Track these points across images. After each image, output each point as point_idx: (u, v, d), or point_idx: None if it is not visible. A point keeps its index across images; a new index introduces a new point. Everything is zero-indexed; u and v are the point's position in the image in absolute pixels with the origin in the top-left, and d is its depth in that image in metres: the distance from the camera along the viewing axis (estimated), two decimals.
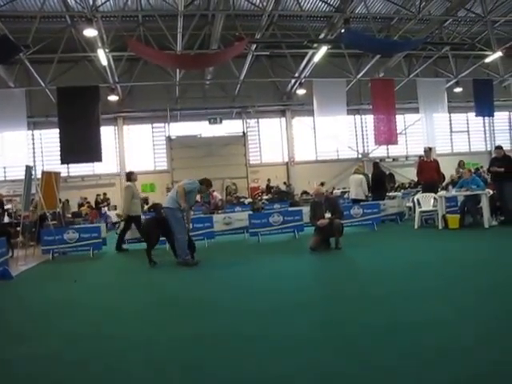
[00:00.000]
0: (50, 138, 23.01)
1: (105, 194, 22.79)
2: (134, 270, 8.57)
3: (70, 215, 19.02)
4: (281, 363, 3.34)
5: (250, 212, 14.55)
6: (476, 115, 24.56)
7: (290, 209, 14.48)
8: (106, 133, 23.49)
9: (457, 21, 20.41)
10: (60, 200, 15.16)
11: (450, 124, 28.32)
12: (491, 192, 11.36)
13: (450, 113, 25.71)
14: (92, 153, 19.56)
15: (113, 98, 22.62)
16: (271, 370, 3.22)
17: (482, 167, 21.78)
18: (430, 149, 13.90)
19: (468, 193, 11.08)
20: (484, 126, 29.26)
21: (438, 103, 23.43)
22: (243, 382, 3.11)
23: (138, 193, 11.86)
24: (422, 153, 13.71)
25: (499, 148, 11.65)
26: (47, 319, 5.19)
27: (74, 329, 4.63)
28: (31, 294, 6.86)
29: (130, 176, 11.53)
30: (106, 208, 21.78)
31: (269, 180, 24.98)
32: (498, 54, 20.28)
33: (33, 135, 24.10)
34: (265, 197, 23.19)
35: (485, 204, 10.72)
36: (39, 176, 12.10)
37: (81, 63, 21.63)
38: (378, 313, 4.46)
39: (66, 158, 19.70)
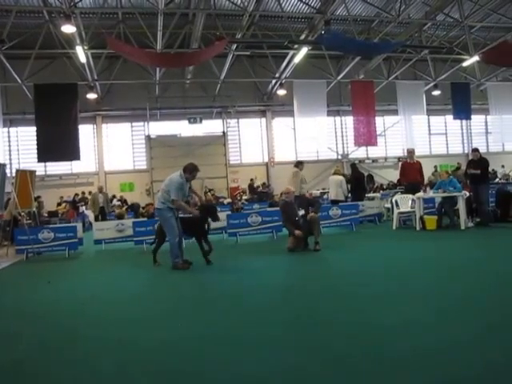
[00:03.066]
0: (27, 136, 22.51)
1: (83, 193, 22.48)
2: (109, 270, 8.43)
3: (46, 214, 18.70)
4: (256, 364, 3.30)
5: (229, 212, 14.51)
6: (454, 118, 25.02)
7: (269, 209, 14.43)
8: (85, 131, 23.13)
9: (435, 25, 20.74)
10: (35, 199, 14.90)
11: (429, 126, 28.68)
12: (467, 194, 11.50)
13: (428, 115, 26.09)
14: (70, 151, 19.35)
15: (91, 96, 22.35)
16: (245, 371, 3.19)
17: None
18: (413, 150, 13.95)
19: (445, 194, 11.21)
20: (461, 129, 29.73)
21: (417, 105, 23.70)
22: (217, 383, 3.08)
23: (305, 178, 12.58)
24: (401, 154, 13.82)
25: (476, 150, 11.81)
26: (16, 321, 5.05)
27: (45, 331, 4.51)
28: (2, 296, 6.68)
29: (299, 164, 12.41)
30: (83, 207, 21.50)
31: (252, 180, 24.83)
32: (475, 58, 20.62)
33: (9, 132, 23.67)
34: (244, 197, 23.14)
35: (461, 206, 10.86)
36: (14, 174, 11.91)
37: (59, 60, 21.30)
38: (352, 314, 4.45)
39: (43, 156, 19.40)
